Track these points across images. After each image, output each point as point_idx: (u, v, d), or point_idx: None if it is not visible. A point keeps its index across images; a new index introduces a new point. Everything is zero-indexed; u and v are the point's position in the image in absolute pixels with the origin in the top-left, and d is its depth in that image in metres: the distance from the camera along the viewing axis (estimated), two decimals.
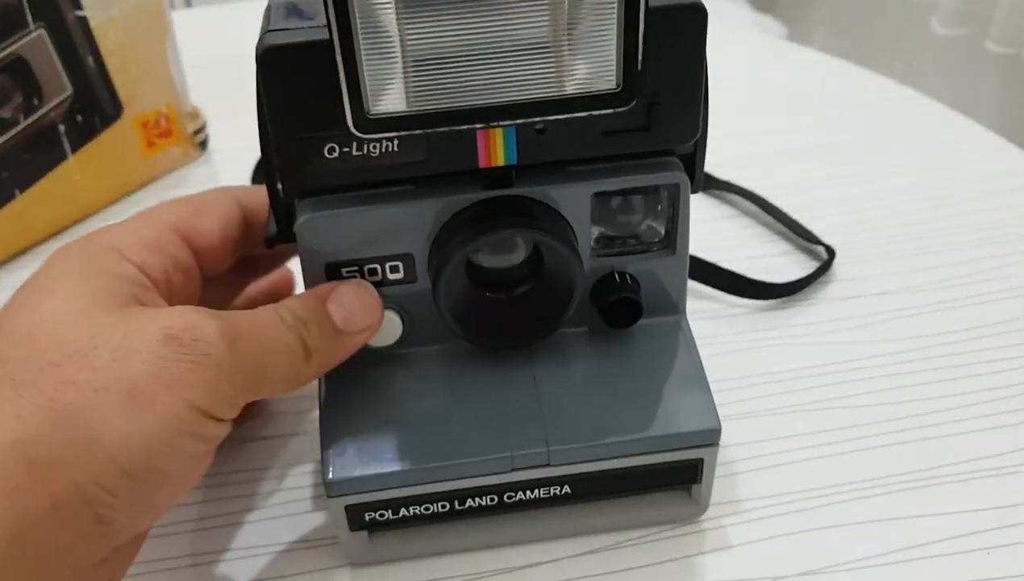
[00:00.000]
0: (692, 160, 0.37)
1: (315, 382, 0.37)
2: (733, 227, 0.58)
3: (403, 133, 0.30)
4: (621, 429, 0.36)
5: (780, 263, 0.54)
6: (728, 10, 1.63)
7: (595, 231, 0.37)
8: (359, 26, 0.28)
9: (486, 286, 0.37)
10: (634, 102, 0.30)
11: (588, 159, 0.35)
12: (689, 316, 0.39)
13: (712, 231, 0.56)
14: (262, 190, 0.37)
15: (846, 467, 0.42)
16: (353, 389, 0.37)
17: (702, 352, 0.38)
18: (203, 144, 0.66)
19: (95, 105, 0.58)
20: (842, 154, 0.64)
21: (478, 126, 0.30)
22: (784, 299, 0.51)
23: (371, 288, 0.36)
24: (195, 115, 0.65)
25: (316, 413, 0.37)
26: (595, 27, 0.29)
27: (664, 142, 0.35)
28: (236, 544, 0.39)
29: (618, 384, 0.37)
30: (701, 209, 0.58)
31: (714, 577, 0.38)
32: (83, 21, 0.56)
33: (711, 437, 0.36)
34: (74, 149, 0.58)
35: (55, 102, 0.56)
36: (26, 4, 0.52)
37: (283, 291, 0.45)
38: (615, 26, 0.29)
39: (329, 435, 0.36)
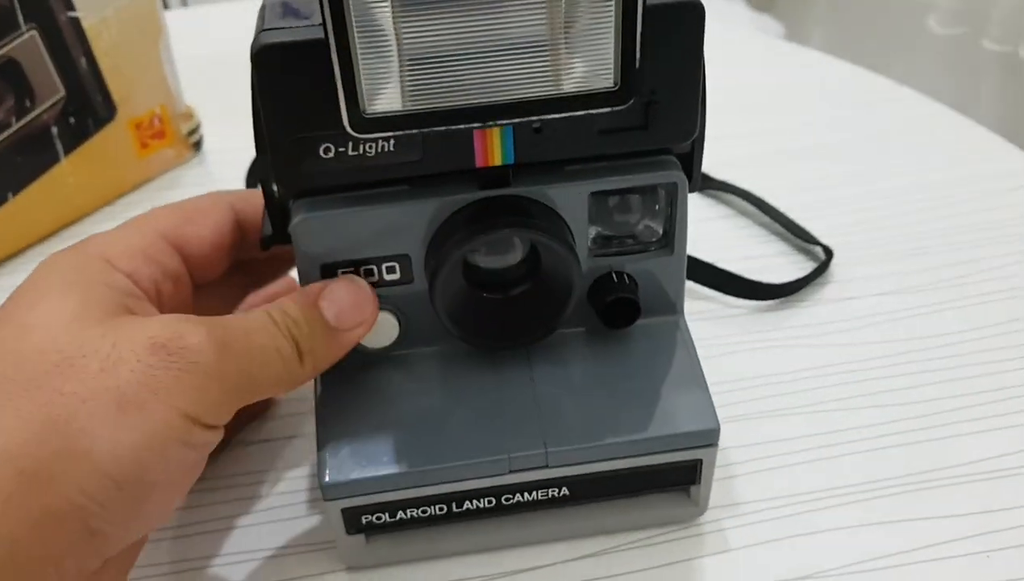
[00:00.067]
0: (690, 159, 0.36)
1: (311, 384, 0.37)
2: (730, 227, 0.57)
3: (399, 133, 0.30)
4: (619, 430, 0.36)
5: (778, 263, 0.54)
6: (726, 9, 1.63)
7: (592, 231, 0.37)
8: (355, 25, 0.28)
9: (483, 286, 0.37)
10: (631, 101, 0.30)
11: (585, 158, 0.35)
12: (686, 317, 0.39)
13: (709, 231, 0.56)
14: (257, 194, 0.37)
15: (845, 469, 0.42)
16: (349, 391, 0.37)
17: (699, 353, 0.38)
18: (197, 145, 0.66)
19: (88, 107, 0.58)
20: (840, 154, 0.64)
21: (475, 125, 0.30)
22: (782, 300, 0.51)
23: (364, 283, 0.35)
24: (189, 116, 0.65)
25: (312, 416, 0.37)
26: (592, 25, 0.29)
27: (662, 141, 0.35)
28: (232, 548, 0.39)
29: (616, 385, 0.37)
30: (698, 209, 0.58)
31: None
32: (75, 22, 0.55)
33: (710, 437, 0.36)
34: (67, 151, 0.57)
35: (47, 104, 0.56)
36: (18, 5, 0.52)
37: None
38: (613, 24, 0.29)
39: (325, 438, 0.36)
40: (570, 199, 0.35)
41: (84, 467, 0.28)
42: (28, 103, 0.54)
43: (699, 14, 0.32)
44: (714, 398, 0.37)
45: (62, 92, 0.56)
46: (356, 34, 0.28)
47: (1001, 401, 0.45)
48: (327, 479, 0.35)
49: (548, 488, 0.37)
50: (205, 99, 0.66)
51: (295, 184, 0.35)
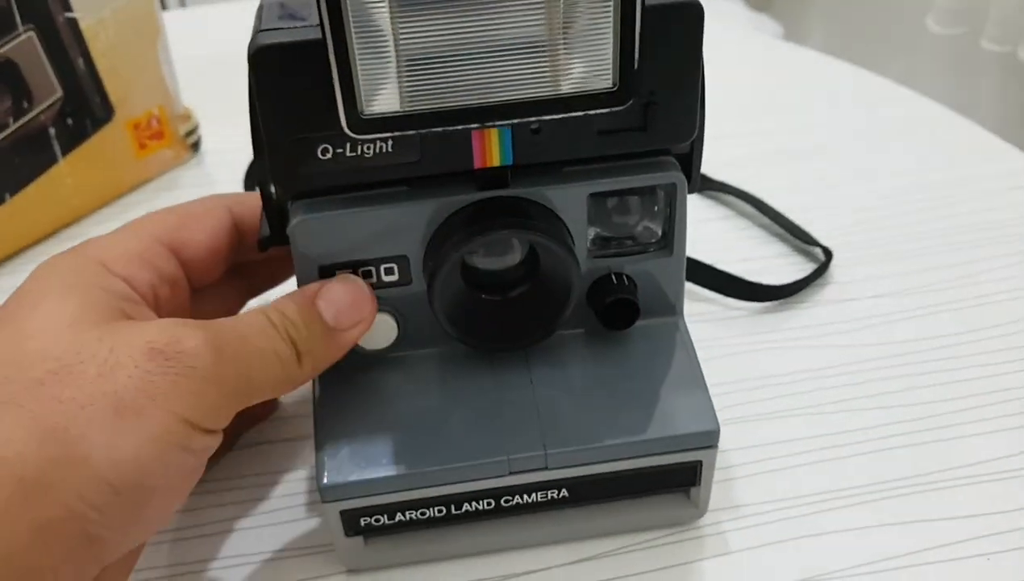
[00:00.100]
0: (689, 160, 0.36)
1: (309, 386, 0.37)
2: (730, 228, 0.57)
3: (397, 133, 0.30)
4: (619, 431, 0.36)
5: (777, 265, 0.54)
6: (724, 9, 1.63)
7: (591, 232, 0.37)
8: (352, 25, 0.28)
9: (482, 288, 0.36)
10: (630, 101, 0.30)
11: (584, 159, 0.35)
12: (686, 318, 0.39)
13: (708, 232, 0.56)
14: (254, 197, 0.37)
15: (846, 471, 0.42)
16: (348, 393, 0.37)
17: (699, 355, 0.38)
18: (195, 146, 0.65)
19: (86, 107, 0.57)
20: (839, 154, 0.64)
21: (473, 126, 0.30)
22: (781, 301, 0.51)
23: (361, 282, 0.35)
24: (187, 117, 0.65)
25: (310, 418, 0.37)
26: (591, 25, 0.29)
27: (660, 142, 0.35)
28: (231, 552, 0.39)
29: (616, 386, 0.37)
30: (697, 210, 0.58)
31: None
32: (73, 23, 0.55)
33: (710, 439, 0.36)
34: (65, 152, 0.57)
35: (45, 105, 0.55)
36: (15, 6, 0.52)
37: None
38: (611, 24, 0.29)
39: (324, 440, 0.35)
40: (569, 200, 0.35)
41: (83, 473, 0.28)
42: (26, 104, 0.54)
43: (698, 14, 0.32)
44: (714, 400, 0.36)
45: (60, 93, 0.56)
46: (354, 35, 0.28)
47: (1001, 403, 0.45)
48: (325, 481, 0.34)
49: (547, 490, 0.36)
50: (203, 100, 0.66)
51: (293, 185, 0.34)
